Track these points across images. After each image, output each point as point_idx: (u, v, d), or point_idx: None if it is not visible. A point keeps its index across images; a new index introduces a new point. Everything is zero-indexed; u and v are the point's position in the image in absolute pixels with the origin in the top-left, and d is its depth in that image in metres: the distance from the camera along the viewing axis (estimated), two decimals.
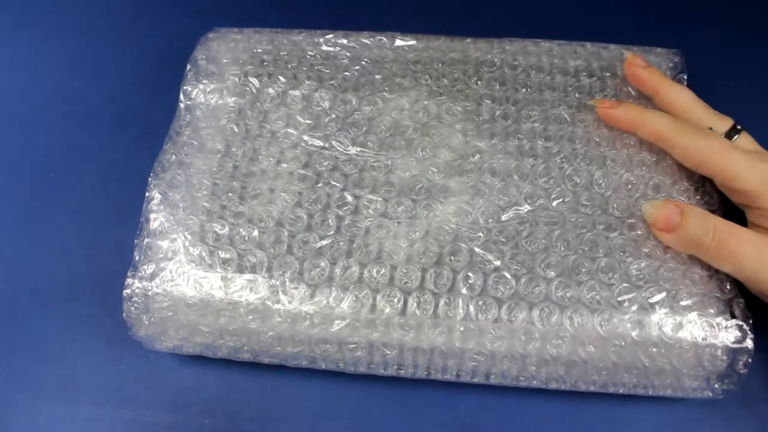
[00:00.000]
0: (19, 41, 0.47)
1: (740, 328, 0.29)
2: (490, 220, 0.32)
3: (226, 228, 0.32)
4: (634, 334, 0.29)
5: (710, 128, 0.33)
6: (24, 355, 0.35)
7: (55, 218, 0.39)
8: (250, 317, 0.31)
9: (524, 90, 0.37)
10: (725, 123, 0.33)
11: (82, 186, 0.40)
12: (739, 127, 0.33)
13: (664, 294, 0.30)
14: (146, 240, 0.32)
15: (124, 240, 0.37)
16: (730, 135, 0.33)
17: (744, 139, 0.33)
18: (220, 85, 0.37)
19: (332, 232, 0.32)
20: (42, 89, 0.44)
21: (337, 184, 0.34)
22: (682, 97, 0.34)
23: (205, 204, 0.33)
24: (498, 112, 0.36)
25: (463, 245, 0.31)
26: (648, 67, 0.35)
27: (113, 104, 0.43)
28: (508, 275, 0.31)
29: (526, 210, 0.32)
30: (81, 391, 0.34)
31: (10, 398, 0.34)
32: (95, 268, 0.37)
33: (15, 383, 0.35)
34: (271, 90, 0.37)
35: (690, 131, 0.31)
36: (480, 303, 0.30)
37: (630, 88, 0.36)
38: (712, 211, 0.32)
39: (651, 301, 0.30)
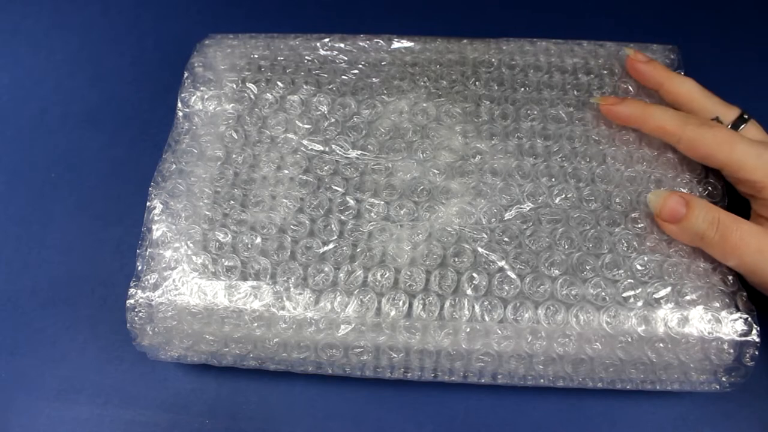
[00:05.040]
0: (19, 41, 0.47)
1: (745, 321, 0.29)
2: (493, 220, 0.32)
3: (229, 236, 0.32)
4: (640, 330, 0.29)
5: (717, 117, 0.33)
6: (24, 355, 0.35)
7: (55, 218, 0.39)
8: (255, 324, 0.30)
9: (522, 89, 0.37)
10: (732, 112, 0.33)
11: (82, 186, 0.40)
12: (746, 116, 0.32)
13: (669, 289, 0.30)
14: (149, 250, 0.32)
15: (124, 240, 0.37)
16: (737, 124, 0.32)
17: (751, 129, 0.32)
18: (218, 92, 0.37)
19: (335, 237, 0.32)
20: (42, 89, 0.44)
21: (339, 189, 0.34)
22: (687, 87, 0.34)
23: (207, 212, 0.33)
24: (497, 113, 0.36)
25: (467, 246, 0.31)
26: (650, 62, 0.35)
27: (113, 104, 0.43)
28: (512, 275, 0.31)
29: (528, 208, 0.32)
30: (81, 391, 0.34)
31: (10, 398, 0.34)
32: (95, 268, 0.37)
33: (15, 383, 0.35)
34: (269, 95, 0.37)
35: (695, 123, 0.31)
36: (485, 303, 0.30)
37: (629, 85, 0.36)
38: (716, 203, 0.32)
39: (656, 296, 0.30)
